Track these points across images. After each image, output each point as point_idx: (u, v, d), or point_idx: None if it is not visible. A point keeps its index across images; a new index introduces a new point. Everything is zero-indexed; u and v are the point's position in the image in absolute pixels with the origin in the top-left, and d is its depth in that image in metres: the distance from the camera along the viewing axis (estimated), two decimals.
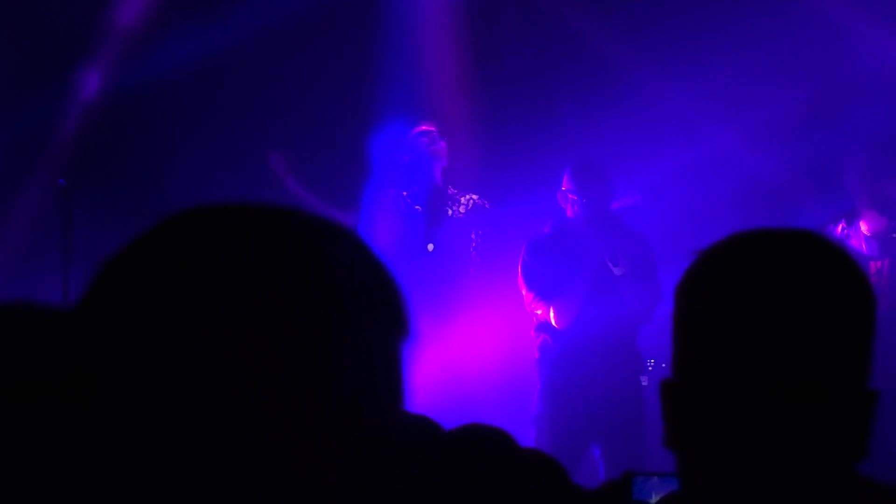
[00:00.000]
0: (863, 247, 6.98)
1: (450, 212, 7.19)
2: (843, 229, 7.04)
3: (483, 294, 7.19)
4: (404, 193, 7.23)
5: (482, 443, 1.73)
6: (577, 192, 6.54)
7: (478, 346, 7.22)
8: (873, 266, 6.94)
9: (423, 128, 7.22)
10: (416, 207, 7.17)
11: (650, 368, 6.96)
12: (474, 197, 7.25)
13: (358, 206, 7.46)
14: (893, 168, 7.06)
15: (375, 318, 1.14)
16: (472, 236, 7.18)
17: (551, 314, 6.55)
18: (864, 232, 7.01)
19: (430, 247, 7.17)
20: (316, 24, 8.31)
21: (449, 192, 7.23)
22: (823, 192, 7.59)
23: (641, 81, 8.21)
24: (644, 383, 6.70)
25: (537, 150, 8.19)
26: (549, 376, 6.62)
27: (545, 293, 6.57)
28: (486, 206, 7.23)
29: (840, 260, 1.59)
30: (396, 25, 8.21)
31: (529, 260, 6.65)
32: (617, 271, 6.49)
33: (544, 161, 7.77)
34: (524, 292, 6.68)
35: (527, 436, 6.56)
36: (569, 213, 6.61)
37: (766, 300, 1.54)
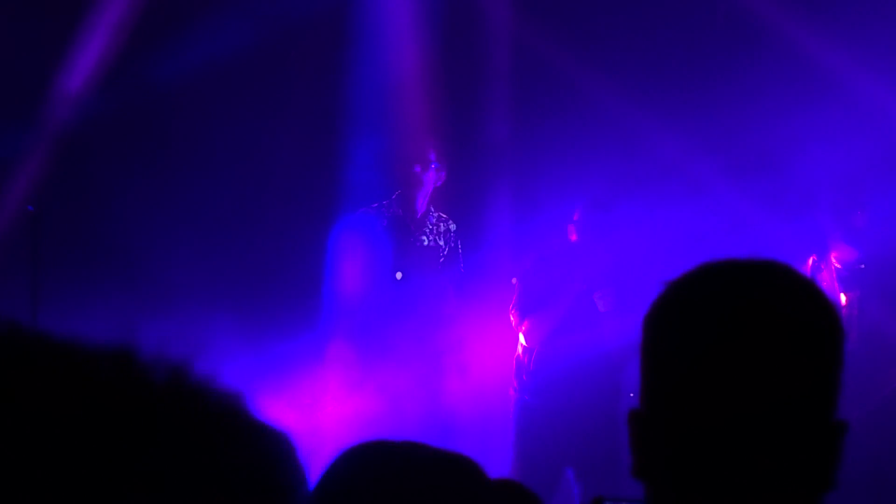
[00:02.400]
0: (834, 278, 7.00)
1: (426, 241, 7.19)
2: (814, 261, 7.07)
3: (455, 320, 7.20)
4: (382, 205, 7.24)
5: None
6: (583, 226, 6.63)
7: (450, 373, 7.22)
8: (844, 298, 6.97)
9: (411, 146, 7.24)
10: (384, 221, 7.19)
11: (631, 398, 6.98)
12: (451, 224, 7.26)
13: (328, 232, 7.46)
14: (863, 200, 7.10)
15: None
16: (444, 264, 7.19)
17: (525, 335, 6.61)
18: (835, 263, 7.04)
19: (399, 275, 7.17)
20: (286, 47, 8.30)
21: (432, 216, 7.22)
22: (794, 222, 7.62)
23: (616, 114, 8.23)
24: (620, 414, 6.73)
25: (510, 175, 8.20)
26: (525, 402, 6.65)
27: (523, 313, 6.63)
28: (452, 225, 7.25)
29: (808, 291, 1.59)
30: (369, 46, 8.21)
31: (521, 280, 6.73)
32: (601, 307, 6.58)
33: (522, 196, 7.80)
34: (509, 309, 6.75)
35: (503, 460, 6.58)
36: (572, 239, 6.70)
37: (733, 331, 1.53)
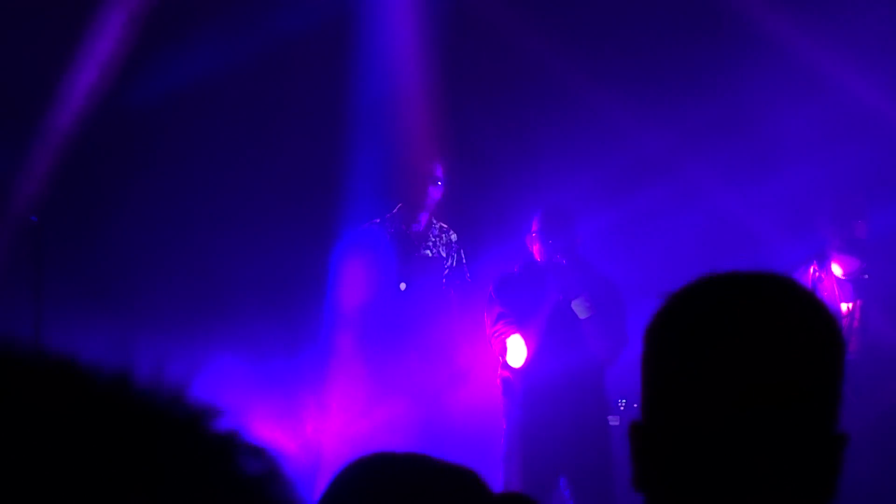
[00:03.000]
0: (835, 288, 7.00)
1: (430, 252, 7.22)
2: (814, 271, 7.06)
3: (457, 332, 7.21)
4: (384, 219, 7.26)
5: None
6: (544, 235, 6.59)
7: (450, 384, 7.23)
8: (845, 308, 6.97)
9: (421, 162, 7.26)
10: (386, 235, 7.21)
11: (622, 408, 6.97)
12: (452, 234, 7.28)
13: (331, 246, 7.48)
14: (864, 210, 7.09)
15: None
16: (448, 274, 7.21)
17: (508, 352, 6.60)
18: (836, 274, 7.03)
19: (403, 286, 7.18)
20: (289, 58, 8.31)
21: (434, 228, 7.25)
22: (796, 232, 7.62)
23: (615, 121, 8.24)
24: (615, 423, 6.73)
25: (509, 188, 8.21)
26: (514, 415, 6.65)
27: (502, 330, 6.61)
28: (454, 235, 7.27)
29: (808, 303, 1.59)
30: (370, 60, 8.23)
31: (494, 297, 6.70)
32: (581, 315, 6.53)
33: (516, 199, 7.79)
34: (488, 329, 6.72)
35: (497, 473, 6.58)
36: (536, 255, 6.65)
37: (734, 344, 1.54)
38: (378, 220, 7.30)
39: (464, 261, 7.26)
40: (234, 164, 8.39)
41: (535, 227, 6.67)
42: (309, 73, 8.37)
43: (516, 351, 6.59)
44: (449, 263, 7.23)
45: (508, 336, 6.59)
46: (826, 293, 6.89)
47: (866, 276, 6.99)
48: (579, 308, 6.55)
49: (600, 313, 6.54)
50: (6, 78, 8.00)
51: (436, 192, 7.21)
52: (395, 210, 7.29)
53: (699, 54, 8.19)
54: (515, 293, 6.66)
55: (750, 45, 8.19)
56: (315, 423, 7.57)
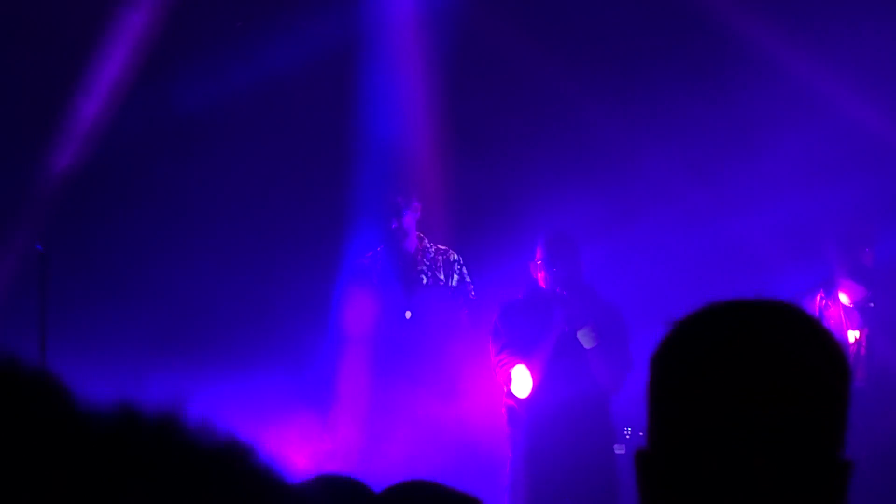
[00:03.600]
0: (841, 316, 6.99)
1: (424, 279, 7.24)
2: (821, 299, 7.05)
3: (463, 359, 7.22)
4: (377, 252, 7.29)
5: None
6: (548, 263, 6.58)
7: (456, 411, 7.23)
8: (852, 336, 6.95)
9: (399, 197, 7.30)
10: (384, 267, 7.23)
11: (627, 437, 6.96)
12: (451, 254, 7.29)
13: (337, 275, 7.50)
14: (871, 238, 7.09)
15: None
16: (452, 299, 7.22)
17: (513, 383, 6.58)
18: (843, 301, 7.02)
19: (408, 314, 7.20)
20: (290, 88, 8.34)
21: (428, 251, 7.27)
22: (802, 259, 7.61)
23: (618, 145, 8.25)
24: (620, 451, 6.71)
25: (514, 214, 8.22)
26: (520, 444, 6.65)
27: (507, 360, 6.60)
28: (453, 255, 7.29)
29: (815, 332, 1.59)
30: (373, 89, 8.25)
31: (499, 325, 6.69)
32: (587, 345, 6.52)
33: (520, 226, 7.80)
34: (493, 358, 6.72)
35: (502, 502, 6.57)
36: (540, 282, 6.65)
37: (740, 373, 1.53)
38: (370, 254, 7.34)
39: (467, 279, 7.29)
40: (237, 189, 8.41)
41: (538, 254, 6.67)
42: (313, 99, 8.39)
43: (521, 381, 6.58)
44: (448, 283, 7.25)
45: (513, 366, 6.59)
46: (833, 321, 6.88)
47: (872, 305, 6.98)
48: (585, 338, 6.54)
49: (605, 342, 6.53)
50: (11, 104, 8.03)
51: (408, 216, 7.24)
52: (383, 241, 7.33)
53: (705, 80, 8.19)
54: (520, 322, 6.66)
55: (757, 70, 8.20)
56: (321, 446, 7.57)
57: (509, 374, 6.60)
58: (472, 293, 7.28)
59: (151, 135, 8.20)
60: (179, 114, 8.18)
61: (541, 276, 6.65)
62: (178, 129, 8.23)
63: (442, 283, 7.26)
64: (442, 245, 7.38)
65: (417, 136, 8.26)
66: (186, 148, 8.31)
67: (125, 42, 8.17)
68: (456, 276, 7.28)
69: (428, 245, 7.31)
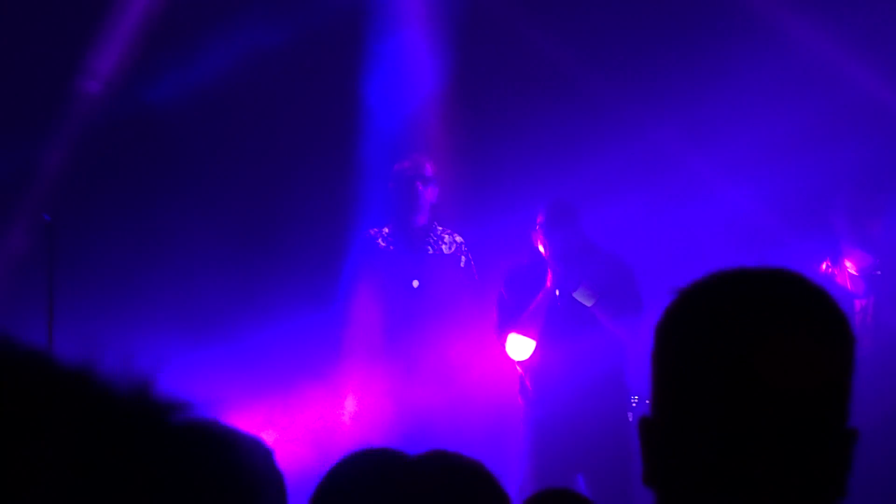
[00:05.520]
0: (847, 285, 6.99)
1: (430, 249, 7.25)
2: (827, 267, 7.05)
3: (471, 328, 7.23)
4: (385, 231, 7.29)
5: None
6: (548, 230, 6.60)
7: (466, 380, 7.25)
8: (858, 304, 6.95)
9: (407, 162, 7.29)
10: (390, 248, 7.24)
11: (634, 405, 6.97)
12: (456, 236, 7.31)
13: (344, 247, 7.51)
14: (878, 206, 7.08)
15: None
16: (457, 271, 7.23)
17: (509, 348, 6.64)
18: (849, 270, 7.02)
19: (416, 283, 7.21)
20: (300, 59, 8.32)
21: (435, 229, 7.28)
22: (808, 228, 7.60)
23: (622, 116, 8.24)
24: (629, 419, 6.72)
25: (520, 183, 8.21)
26: (533, 411, 6.66)
27: (505, 325, 6.63)
28: (458, 238, 7.30)
29: (820, 299, 1.59)
30: (382, 61, 8.24)
31: (503, 290, 6.73)
32: (587, 303, 6.55)
33: (526, 195, 7.80)
34: (496, 324, 6.77)
35: (515, 469, 6.59)
36: (541, 249, 6.67)
37: (744, 340, 1.54)
38: (376, 229, 7.35)
39: (472, 262, 7.29)
40: (248, 165, 8.41)
41: (539, 221, 6.69)
42: (319, 76, 8.38)
43: (517, 346, 6.63)
44: (454, 262, 7.26)
45: (509, 333, 6.64)
46: (839, 289, 6.88)
47: (879, 273, 6.98)
48: (583, 297, 6.57)
49: (607, 294, 6.55)
50: (19, 79, 8.02)
51: (428, 193, 7.23)
52: (393, 215, 7.33)
53: (709, 47, 8.16)
54: (522, 287, 6.69)
55: (761, 37, 8.17)
56: (329, 417, 7.58)
57: (506, 340, 6.66)
58: (476, 276, 7.29)
59: (161, 105, 8.19)
60: (190, 85, 8.16)
61: (541, 243, 6.67)
62: (190, 98, 8.21)
63: (448, 256, 7.27)
64: (447, 226, 7.39)
65: (425, 108, 8.25)
66: (197, 119, 8.30)
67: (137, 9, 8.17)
68: (464, 259, 7.29)
69: (437, 225, 7.34)
